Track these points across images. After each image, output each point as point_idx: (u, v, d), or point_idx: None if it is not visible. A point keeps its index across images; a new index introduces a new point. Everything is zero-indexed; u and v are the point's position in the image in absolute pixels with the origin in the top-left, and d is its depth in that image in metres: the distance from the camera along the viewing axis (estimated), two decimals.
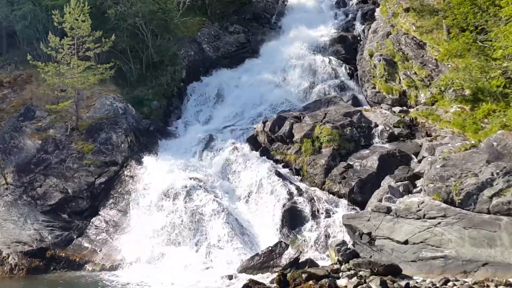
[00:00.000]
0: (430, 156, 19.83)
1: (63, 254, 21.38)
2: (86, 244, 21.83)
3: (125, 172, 24.17)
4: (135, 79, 30.95)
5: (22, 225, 22.09)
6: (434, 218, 16.75)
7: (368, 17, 34.11)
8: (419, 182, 19.45)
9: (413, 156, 22.01)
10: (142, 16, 30.53)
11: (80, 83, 25.55)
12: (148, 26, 31.03)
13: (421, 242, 16.59)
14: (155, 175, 23.54)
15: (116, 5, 30.73)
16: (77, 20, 25.60)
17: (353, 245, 18.36)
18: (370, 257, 17.28)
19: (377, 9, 33.01)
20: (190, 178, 22.99)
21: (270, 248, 18.87)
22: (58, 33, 26.72)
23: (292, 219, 21.01)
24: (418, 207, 17.22)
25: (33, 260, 20.95)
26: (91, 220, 22.70)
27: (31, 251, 21.22)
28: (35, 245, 21.46)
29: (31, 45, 30.34)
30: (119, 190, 23.56)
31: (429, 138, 22.47)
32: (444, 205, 16.83)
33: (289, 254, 18.45)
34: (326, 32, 34.02)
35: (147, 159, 24.66)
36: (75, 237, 22.14)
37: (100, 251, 21.46)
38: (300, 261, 18.18)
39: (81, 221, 22.69)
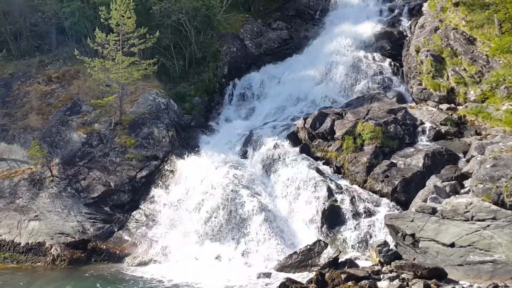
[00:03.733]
0: (479, 156, 18.94)
1: (104, 247, 21.77)
2: (126, 237, 22.12)
3: (166, 167, 24.33)
4: (178, 75, 31.22)
5: (65, 216, 22.60)
6: (483, 220, 15.97)
7: (415, 12, 33.13)
8: (467, 183, 18.65)
9: (461, 155, 21.16)
10: (186, 12, 30.75)
11: (124, 78, 25.92)
12: (191, 23, 31.23)
13: (469, 245, 15.85)
14: (195, 170, 23.57)
15: (160, 2, 31.06)
16: (123, 16, 25.97)
17: (396, 246, 17.77)
18: (414, 259, 16.66)
19: (425, 4, 31.96)
20: (230, 175, 22.85)
21: (308, 246, 18.52)
22: (105, 29, 27.20)
23: (332, 217, 20.59)
24: (466, 208, 16.46)
25: (75, 252, 21.44)
26: (132, 214, 23.00)
27: (73, 243, 21.75)
28: (77, 236, 21.96)
29: (79, 41, 31.11)
30: (159, 185, 23.73)
31: (478, 137, 21.52)
32: (494, 207, 16.03)
33: (328, 253, 18.04)
34: (371, 28, 33.19)
35: (187, 154, 24.73)
36: (116, 229, 22.50)
37: (139, 244, 21.66)
38: (339, 261, 17.77)
39: (122, 214, 23.04)
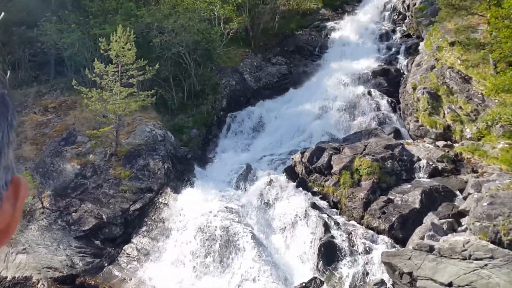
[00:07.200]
0: (476, 193, 18.74)
1: (93, 282, 21.16)
2: (116, 273, 21.54)
3: (160, 199, 23.98)
4: (176, 107, 31.22)
5: (54, 250, 22.08)
6: (480, 259, 15.65)
7: (412, 51, 33.57)
8: (464, 220, 18.38)
9: (457, 192, 20.94)
10: (186, 45, 30.97)
11: (122, 109, 25.79)
12: (191, 56, 31.46)
13: (467, 285, 15.47)
14: (190, 203, 23.23)
15: (161, 35, 31.31)
16: (123, 48, 26.02)
17: (393, 285, 17.38)
18: None
19: (421, 43, 32.48)
20: (225, 208, 22.56)
21: (304, 284, 18.11)
22: (104, 60, 27.27)
23: (329, 254, 20.17)
24: (464, 246, 16.15)
25: (62, 287, 20.85)
26: (123, 248, 22.49)
27: (61, 278, 21.14)
28: (65, 271, 21.36)
29: (78, 72, 31.19)
30: (153, 218, 23.35)
31: (475, 175, 21.36)
32: (491, 245, 15.74)
33: None
34: (368, 65, 33.57)
35: (182, 187, 24.46)
36: (106, 264, 21.93)
37: (130, 280, 21.09)
38: None
39: (113, 248, 22.53)
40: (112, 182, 24.63)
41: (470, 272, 15.58)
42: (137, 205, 23.81)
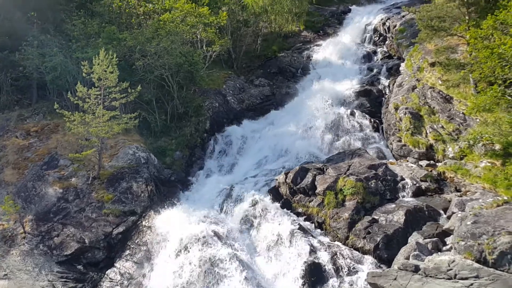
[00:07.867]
0: (460, 212, 18.91)
1: None
2: None
3: (143, 223, 23.72)
4: (160, 129, 31.13)
5: (36, 276, 21.61)
6: (466, 278, 15.72)
7: (393, 72, 34.06)
8: (449, 240, 18.48)
9: (441, 211, 21.09)
10: (169, 68, 31.06)
11: (104, 132, 25.64)
12: (174, 78, 31.51)
13: None
14: (174, 226, 22.98)
15: (144, 58, 31.35)
16: (105, 71, 26.00)
17: None
18: None
19: (402, 64, 33.01)
20: (209, 231, 22.34)
21: None
22: (87, 84, 27.15)
23: (314, 275, 20.04)
24: (449, 266, 16.22)
25: None
26: (106, 272, 22.10)
27: None
28: None
29: (60, 96, 30.99)
30: (136, 241, 23.04)
31: (458, 194, 21.57)
32: (476, 264, 15.83)
33: None
34: (350, 86, 33.93)
35: (166, 209, 24.22)
36: None
37: None
38: None
39: (96, 273, 22.14)
40: (95, 206, 24.32)
41: None
42: (120, 229, 23.51)
